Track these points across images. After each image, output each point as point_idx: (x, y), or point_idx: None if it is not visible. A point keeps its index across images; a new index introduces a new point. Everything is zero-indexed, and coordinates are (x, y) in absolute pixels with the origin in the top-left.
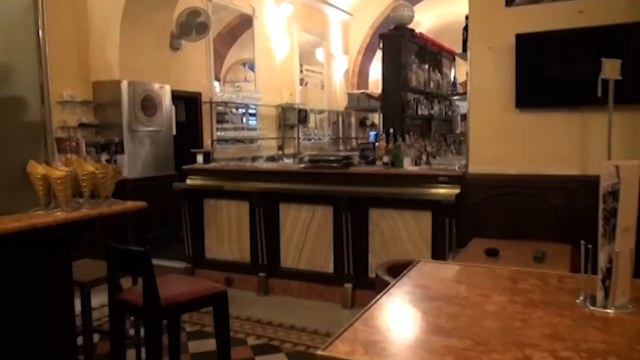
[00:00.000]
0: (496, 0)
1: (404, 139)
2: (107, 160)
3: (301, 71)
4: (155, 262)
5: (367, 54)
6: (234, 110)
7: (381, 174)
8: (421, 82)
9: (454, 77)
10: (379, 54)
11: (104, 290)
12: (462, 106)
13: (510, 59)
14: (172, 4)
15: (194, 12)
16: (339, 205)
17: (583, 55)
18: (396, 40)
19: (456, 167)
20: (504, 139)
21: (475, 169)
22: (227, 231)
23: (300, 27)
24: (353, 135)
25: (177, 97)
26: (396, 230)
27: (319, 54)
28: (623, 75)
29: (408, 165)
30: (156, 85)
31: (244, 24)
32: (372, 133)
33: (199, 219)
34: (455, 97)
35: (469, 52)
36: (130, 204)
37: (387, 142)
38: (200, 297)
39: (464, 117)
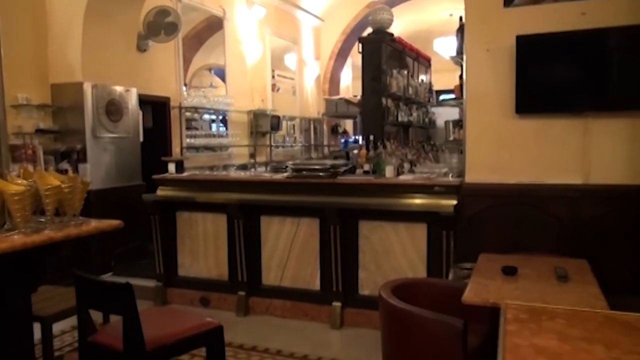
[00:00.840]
0: (494, 0)
1: (384, 147)
2: (65, 171)
3: (273, 76)
4: (122, 280)
5: (339, 59)
6: (204, 116)
7: (372, 183)
8: (401, 88)
9: (430, 84)
10: (349, 61)
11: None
12: (438, 113)
13: (509, 62)
14: (139, 1)
15: (163, 12)
16: (326, 217)
17: (586, 59)
18: (376, 45)
19: (449, 177)
20: (503, 146)
21: (472, 178)
22: (203, 246)
23: (272, 31)
24: (325, 142)
25: (144, 101)
26: (388, 244)
27: (291, 60)
28: (629, 79)
29: (390, 174)
30: (122, 89)
31: (211, 27)
32: (344, 140)
33: (171, 233)
34: (435, 104)
35: (464, 55)
36: (104, 224)
37: (368, 149)
38: (191, 336)
39: (459, 123)
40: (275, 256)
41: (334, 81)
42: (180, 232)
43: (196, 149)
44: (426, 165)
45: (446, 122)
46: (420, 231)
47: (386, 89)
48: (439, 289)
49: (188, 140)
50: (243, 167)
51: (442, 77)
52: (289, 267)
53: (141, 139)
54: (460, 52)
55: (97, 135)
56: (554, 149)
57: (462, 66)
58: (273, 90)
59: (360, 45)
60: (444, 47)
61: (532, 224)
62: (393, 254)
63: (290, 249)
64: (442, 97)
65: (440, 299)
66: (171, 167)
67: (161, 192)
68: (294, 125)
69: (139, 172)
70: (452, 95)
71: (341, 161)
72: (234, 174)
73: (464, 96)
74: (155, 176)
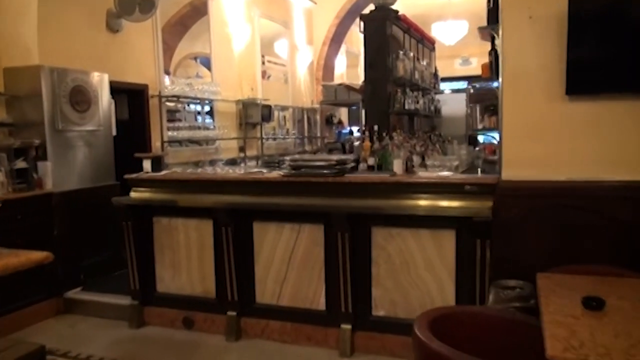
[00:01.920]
0: None
1: (391, 138)
2: (23, 170)
3: (263, 63)
4: (92, 297)
5: (333, 45)
6: (187, 106)
7: (388, 182)
8: (407, 72)
9: (435, 69)
10: (343, 47)
11: None
12: (444, 100)
13: (558, 31)
14: None
15: None
16: (332, 223)
17: None
18: (380, 22)
19: (459, 170)
20: (549, 135)
21: (510, 175)
22: (185, 258)
23: (262, 12)
24: (319, 133)
25: (117, 89)
26: (408, 255)
27: (282, 45)
28: None
29: (399, 169)
30: (90, 75)
31: (195, 12)
32: (339, 131)
33: (148, 242)
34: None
35: (500, 25)
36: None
37: (372, 141)
38: None
39: (490, 108)
40: (272, 270)
41: (328, 68)
42: (158, 241)
43: (179, 142)
44: (434, 157)
45: (472, 107)
46: (447, 239)
47: (391, 73)
48: (488, 322)
49: (170, 133)
50: (232, 162)
51: (441, 65)
52: (288, 283)
53: (114, 133)
54: (492, 20)
55: (59, 129)
56: (613, 139)
57: (492, 39)
58: (263, 77)
59: (362, 23)
60: (443, 33)
61: (586, 230)
62: (414, 268)
63: (289, 261)
64: (442, 85)
65: (492, 336)
66: (147, 164)
67: (135, 194)
68: (284, 117)
69: (111, 171)
70: (454, 84)
71: (349, 156)
72: (221, 171)
73: (500, 76)
74: (127, 176)
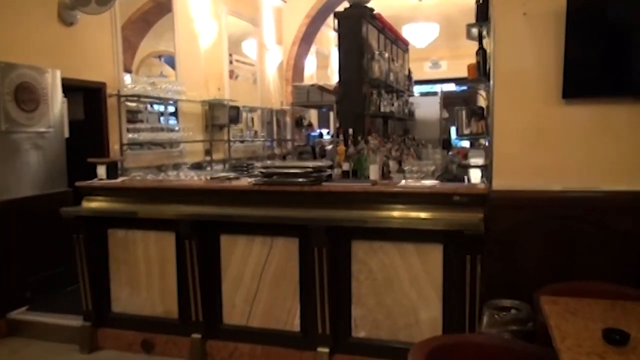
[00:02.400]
0: None
1: (366, 142)
2: None
3: (231, 62)
4: (39, 318)
5: (303, 45)
6: (150, 107)
7: (370, 192)
8: (383, 73)
9: (409, 70)
10: (313, 48)
11: None
12: (417, 103)
13: (554, 29)
14: None
15: None
16: (308, 236)
17: None
18: (355, 21)
19: (433, 175)
20: (544, 142)
21: (502, 184)
22: (145, 274)
23: (229, 10)
24: (289, 136)
25: (72, 87)
26: (392, 271)
27: (251, 44)
28: None
29: (375, 174)
30: (39, 71)
31: (159, 8)
32: (308, 134)
33: (103, 257)
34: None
35: (491, 22)
36: None
37: (347, 145)
38: None
39: (477, 111)
40: (241, 287)
41: (297, 69)
42: (113, 255)
43: (140, 145)
44: (410, 162)
45: (457, 111)
46: (434, 254)
47: (366, 73)
48: (492, 353)
49: (130, 135)
50: (197, 166)
51: (411, 67)
52: (259, 302)
53: (66, 134)
54: (482, 17)
55: (3, 130)
56: (613, 146)
57: (480, 37)
58: (231, 77)
59: (336, 21)
60: (414, 35)
61: (584, 242)
62: (399, 285)
63: (260, 278)
64: (415, 87)
65: None
66: (101, 170)
67: (88, 203)
68: (253, 119)
69: (63, 176)
70: (424, 87)
71: (325, 162)
72: (185, 177)
73: (491, 77)
74: (79, 183)
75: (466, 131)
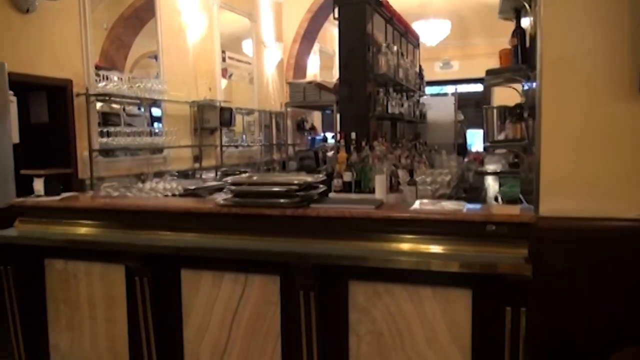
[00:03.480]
0: None
1: (371, 148)
2: None
3: (224, 59)
4: None
5: (305, 42)
6: (131, 108)
7: (375, 218)
8: (391, 69)
9: (420, 67)
10: (317, 46)
11: None
12: (429, 105)
13: (623, 4)
14: None
15: None
16: (292, 274)
17: None
18: (359, 8)
19: (495, 198)
20: (614, 150)
21: (554, 208)
22: (89, 317)
23: (222, 1)
24: (289, 140)
25: (30, 85)
26: (403, 324)
27: (247, 41)
28: None
29: (381, 187)
30: None
31: (151, 4)
32: (312, 138)
33: (38, 294)
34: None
35: None
36: None
37: (348, 151)
38: None
39: (516, 110)
40: (207, 337)
41: (299, 68)
42: (51, 293)
43: (116, 152)
44: (421, 170)
45: (486, 110)
46: (460, 303)
47: (371, 69)
48: None
49: (103, 140)
50: (184, 174)
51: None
52: (231, 356)
53: (14, 140)
54: None
55: None
56: None
57: (517, 15)
58: (224, 76)
59: (337, 8)
60: (424, 33)
61: None
62: (411, 342)
63: (231, 326)
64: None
65: None
66: (38, 184)
67: (21, 226)
68: (249, 122)
69: (10, 190)
70: (434, 88)
71: (317, 176)
72: (164, 188)
73: (538, 65)
74: (14, 200)
75: (499, 136)
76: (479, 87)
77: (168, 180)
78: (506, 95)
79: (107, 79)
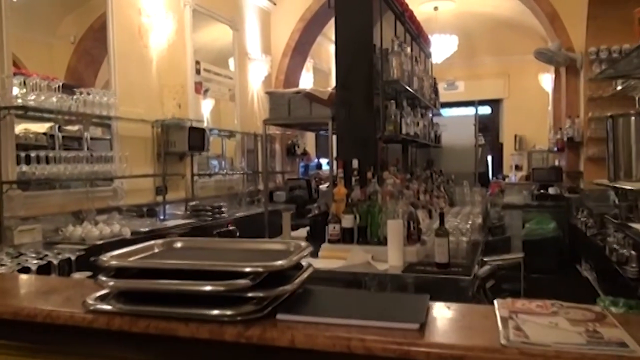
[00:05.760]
0: None
1: (380, 180)
2: None
3: (198, 72)
4: None
5: (296, 56)
6: (95, 130)
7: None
8: (404, 76)
9: (434, 79)
10: (310, 62)
11: None
12: (444, 126)
13: None
14: None
15: None
16: None
17: None
18: None
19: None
20: None
21: None
22: None
23: (195, 2)
24: (278, 168)
25: None
26: None
27: (228, 51)
28: None
29: (397, 239)
30: None
31: None
32: (305, 165)
33: None
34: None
35: None
36: None
37: (349, 185)
38: None
39: None
40: None
41: (289, 85)
42: None
43: (40, 183)
44: (444, 208)
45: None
46: None
47: (378, 74)
48: None
49: (23, 168)
50: (139, 212)
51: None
52: None
53: None
54: None
55: None
56: None
57: None
58: (198, 92)
59: None
60: (436, 47)
61: None
62: None
63: None
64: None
65: None
66: None
67: None
68: (232, 145)
69: None
70: (442, 110)
71: (301, 249)
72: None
73: None
74: None
75: None
76: (486, 110)
77: (116, 220)
78: (517, 121)
79: (24, 84)
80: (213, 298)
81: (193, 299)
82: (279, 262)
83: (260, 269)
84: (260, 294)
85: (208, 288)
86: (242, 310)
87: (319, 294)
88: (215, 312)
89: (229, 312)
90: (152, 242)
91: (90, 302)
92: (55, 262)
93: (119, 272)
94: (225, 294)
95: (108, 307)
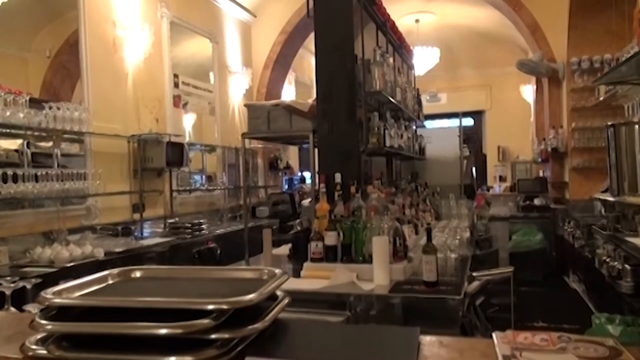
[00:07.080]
0: None
1: (363, 195)
2: None
3: (176, 85)
4: None
5: (278, 69)
6: (65, 146)
7: None
8: (387, 87)
9: (417, 90)
10: (292, 75)
11: None
12: (428, 138)
13: None
14: None
15: None
16: None
17: None
18: (342, 3)
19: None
20: None
21: None
22: None
23: (174, 13)
24: (261, 182)
25: None
26: None
27: (208, 64)
28: None
29: (382, 257)
30: None
31: None
32: (289, 179)
33: None
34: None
35: None
36: None
37: (330, 199)
38: None
39: None
40: None
41: (271, 97)
42: None
43: (10, 202)
44: (431, 222)
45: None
46: None
47: (360, 85)
48: None
49: None
50: (114, 231)
51: None
52: None
53: None
54: None
55: None
56: None
57: None
58: (177, 105)
59: (312, 1)
60: (418, 59)
61: None
62: None
63: None
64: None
65: None
66: None
67: None
68: (212, 160)
69: None
70: (442, 122)
71: (275, 278)
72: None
73: None
74: None
75: None
76: (469, 122)
77: (89, 240)
78: (499, 132)
79: None
80: (170, 341)
81: (147, 343)
82: (248, 297)
83: (224, 306)
84: (226, 335)
85: (163, 331)
86: (204, 356)
87: (294, 332)
88: (172, 358)
89: (188, 358)
90: (107, 272)
91: (31, 345)
92: (7, 292)
93: (63, 311)
94: (184, 337)
95: (45, 353)
